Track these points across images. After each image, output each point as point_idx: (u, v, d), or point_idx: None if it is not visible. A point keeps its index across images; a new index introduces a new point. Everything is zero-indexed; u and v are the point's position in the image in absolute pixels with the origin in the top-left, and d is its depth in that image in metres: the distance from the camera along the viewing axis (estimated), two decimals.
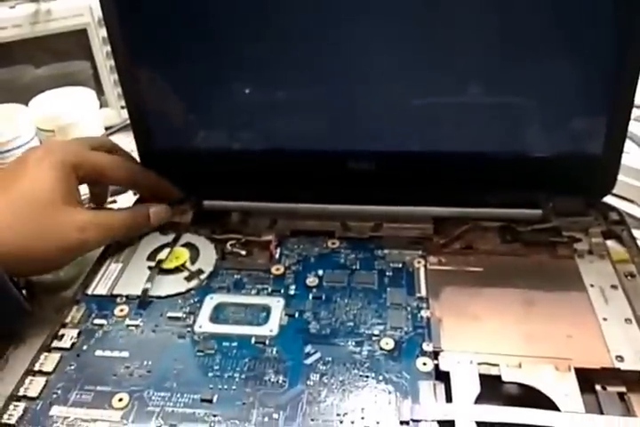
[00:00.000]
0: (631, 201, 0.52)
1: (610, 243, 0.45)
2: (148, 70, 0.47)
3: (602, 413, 0.34)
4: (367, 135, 0.47)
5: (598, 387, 0.35)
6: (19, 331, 0.44)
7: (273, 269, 0.45)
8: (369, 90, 0.45)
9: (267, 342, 0.39)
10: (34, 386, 0.37)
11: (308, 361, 0.38)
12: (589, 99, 0.43)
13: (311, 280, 0.43)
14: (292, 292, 0.43)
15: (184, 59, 0.46)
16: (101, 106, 0.66)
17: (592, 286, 0.41)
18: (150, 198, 0.50)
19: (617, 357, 0.36)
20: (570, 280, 0.42)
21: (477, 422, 0.33)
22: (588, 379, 0.35)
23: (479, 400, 0.34)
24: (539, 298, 0.41)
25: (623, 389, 0.35)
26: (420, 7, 0.41)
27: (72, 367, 0.38)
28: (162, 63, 0.47)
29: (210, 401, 0.35)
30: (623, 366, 0.36)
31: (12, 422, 0.35)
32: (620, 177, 0.47)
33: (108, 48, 0.61)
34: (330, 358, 0.38)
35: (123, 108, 0.68)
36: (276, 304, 0.42)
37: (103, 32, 0.60)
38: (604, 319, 0.39)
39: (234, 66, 0.46)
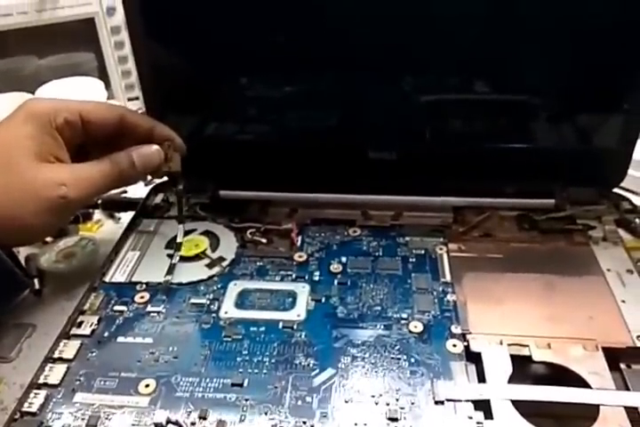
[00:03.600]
0: (636, 193, 0.53)
1: (621, 231, 0.47)
2: (165, 60, 0.47)
3: (628, 389, 0.35)
4: (388, 126, 0.47)
5: (623, 365, 0.36)
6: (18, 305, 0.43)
7: (295, 257, 0.45)
8: (390, 83, 0.46)
9: (295, 326, 0.39)
10: (54, 373, 0.36)
11: (338, 344, 0.38)
12: (606, 95, 0.45)
13: (335, 267, 0.44)
14: (316, 278, 0.43)
15: (202, 49, 0.46)
16: (107, 97, 0.66)
17: (609, 270, 0.43)
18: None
19: (638, 336, 0.37)
20: (587, 265, 0.43)
21: (512, 401, 0.33)
22: (613, 358, 0.36)
23: (511, 380, 0.35)
24: (558, 282, 0.42)
25: None
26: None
27: (93, 354, 0.38)
28: (180, 55, 0.47)
29: (240, 385, 0.35)
30: None
31: (34, 409, 0.34)
32: None
33: (116, 38, 0.61)
34: (359, 342, 0.38)
35: (130, 99, 0.68)
36: (302, 290, 0.42)
37: (111, 21, 0.60)
38: (623, 301, 0.40)
39: (253, 56, 0.46)
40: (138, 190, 0.55)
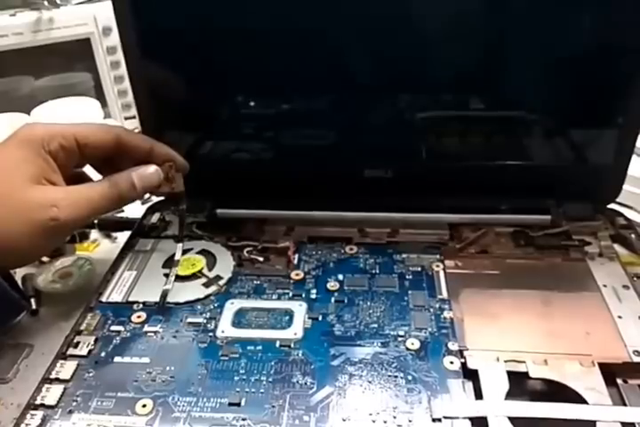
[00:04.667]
0: (630, 207, 0.54)
1: (616, 247, 0.47)
2: (160, 80, 0.47)
3: (625, 405, 0.35)
4: (383, 144, 0.48)
5: (619, 380, 0.36)
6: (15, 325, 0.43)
7: (292, 275, 0.45)
8: (385, 102, 0.46)
9: (292, 344, 0.39)
10: (51, 394, 0.36)
11: (335, 363, 0.38)
12: (600, 111, 0.45)
13: (332, 284, 0.44)
14: (313, 296, 0.43)
15: (198, 69, 0.47)
16: (104, 117, 0.66)
17: (605, 286, 0.43)
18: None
19: (634, 351, 0.37)
20: (583, 281, 0.43)
21: (509, 418, 0.33)
22: (609, 373, 0.36)
23: (508, 397, 0.35)
24: (555, 298, 0.42)
25: None
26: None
27: (90, 374, 0.38)
28: (176, 75, 0.47)
29: (238, 405, 0.35)
30: None
31: None
32: None
33: (112, 58, 0.61)
34: (357, 360, 0.38)
35: (126, 119, 0.68)
36: (299, 308, 0.42)
37: (107, 42, 0.60)
38: (619, 317, 0.40)
39: (249, 76, 0.47)
40: (134, 210, 0.55)
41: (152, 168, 0.43)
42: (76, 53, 0.65)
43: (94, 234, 0.55)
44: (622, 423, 0.33)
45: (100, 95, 0.68)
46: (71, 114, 0.63)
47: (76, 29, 0.63)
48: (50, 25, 0.62)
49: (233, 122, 0.49)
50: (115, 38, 0.65)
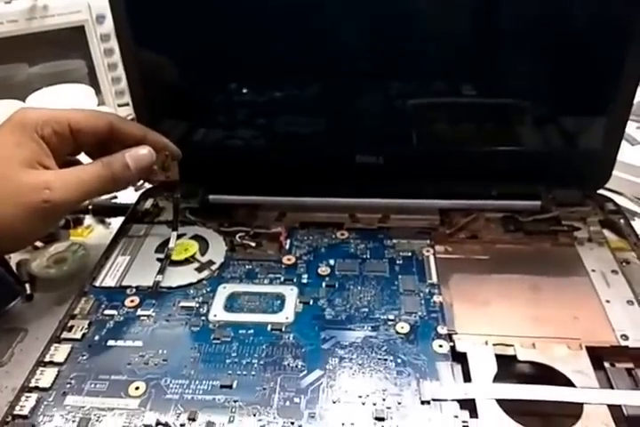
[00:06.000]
0: (620, 193, 0.54)
1: (605, 232, 0.47)
2: (154, 67, 0.47)
3: (612, 388, 0.35)
4: (375, 130, 0.48)
5: (607, 364, 0.37)
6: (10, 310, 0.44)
7: (284, 260, 0.45)
8: (376, 88, 0.47)
9: (283, 328, 0.39)
10: (45, 377, 0.37)
11: (326, 346, 0.38)
12: (590, 97, 0.45)
13: (323, 269, 0.44)
14: (304, 280, 0.43)
15: (191, 55, 0.47)
16: (98, 104, 0.66)
17: (593, 271, 0.43)
18: None
19: (622, 335, 0.38)
20: (572, 266, 0.44)
21: (497, 400, 0.34)
22: (597, 357, 0.37)
23: (496, 380, 0.35)
24: (544, 283, 0.42)
25: (630, 365, 0.36)
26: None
27: (84, 358, 0.38)
28: (169, 62, 0.47)
29: (230, 387, 0.36)
30: (630, 344, 0.37)
31: (25, 413, 0.34)
32: None
33: (106, 45, 0.61)
34: (347, 343, 0.38)
35: (120, 106, 0.68)
36: (290, 292, 0.42)
37: (101, 29, 0.60)
38: (607, 301, 0.41)
39: (241, 63, 0.47)
40: (128, 196, 0.55)
41: (145, 149, 0.43)
42: (70, 41, 0.65)
43: (88, 220, 0.55)
44: (608, 406, 0.33)
45: (93, 82, 0.68)
46: (66, 101, 0.63)
47: (70, 17, 0.63)
48: (44, 12, 0.62)
49: (225, 108, 0.49)
50: (108, 26, 0.65)
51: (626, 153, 0.55)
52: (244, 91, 0.48)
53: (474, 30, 0.44)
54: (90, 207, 0.54)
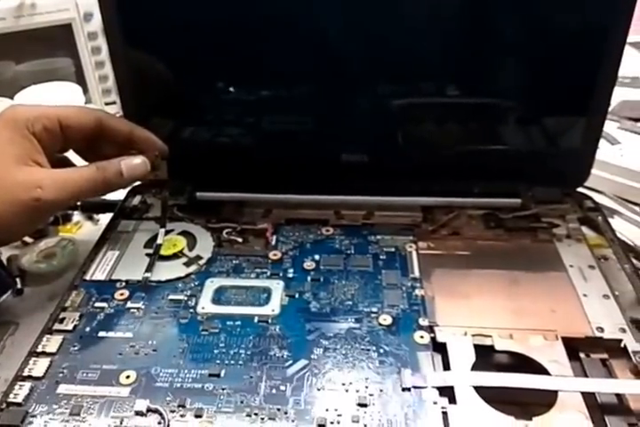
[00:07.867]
0: (599, 191, 0.56)
1: (584, 229, 0.49)
2: (141, 65, 0.48)
3: (587, 377, 0.37)
4: (359, 129, 0.49)
5: (582, 355, 0.38)
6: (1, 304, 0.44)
7: (270, 255, 0.46)
8: (361, 87, 0.48)
9: (269, 320, 0.40)
10: (38, 367, 0.37)
11: (311, 337, 0.39)
12: (569, 96, 0.47)
13: (308, 264, 0.45)
14: (290, 275, 0.44)
15: (179, 53, 0.47)
16: (85, 102, 0.67)
17: (571, 266, 0.45)
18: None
19: (597, 328, 0.39)
20: (550, 262, 0.45)
21: (475, 388, 0.35)
22: (573, 348, 0.38)
23: (474, 368, 0.37)
24: (523, 278, 0.44)
25: (605, 356, 0.38)
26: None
27: (76, 348, 0.39)
28: (157, 60, 0.48)
29: (218, 376, 0.37)
30: (605, 336, 0.39)
31: (19, 400, 0.35)
32: None
33: (93, 43, 0.62)
34: (331, 334, 0.39)
35: (107, 104, 0.69)
36: (276, 286, 0.43)
37: (88, 27, 0.61)
38: (584, 295, 0.42)
39: (229, 62, 0.48)
40: (116, 193, 0.55)
41: (139, 158, 0.44)
42: (58, 39, 0.65)
43: (77, 216, 0.56)
44: (582, 393, 0.35)
45: (80, 80, 0.69)
46: (54, 99, 0.63)
47: (57, 15, 0.63)
48: (32, 10, 0.62)
49: (213, 106, 0.50)
50: (96, 24, 0.65)
51: (606, 153, 0.57)
52: (231, 89, 0.49)
53: (455, 32, 0.45)
54: (79, 203, 0.55)
